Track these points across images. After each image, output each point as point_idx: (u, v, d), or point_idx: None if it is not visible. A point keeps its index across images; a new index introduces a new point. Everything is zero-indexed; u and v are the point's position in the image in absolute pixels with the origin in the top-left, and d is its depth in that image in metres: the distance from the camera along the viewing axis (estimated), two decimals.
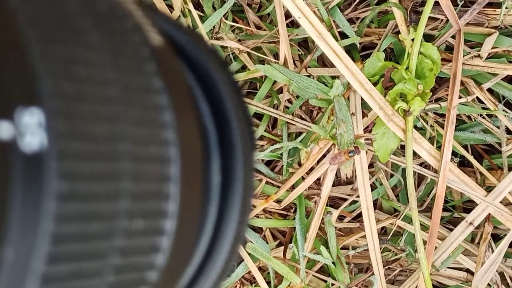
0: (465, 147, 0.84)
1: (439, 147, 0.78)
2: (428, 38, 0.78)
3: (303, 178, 0.82)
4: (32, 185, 0.14)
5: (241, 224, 0.21)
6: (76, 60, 0.16)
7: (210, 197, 0.20)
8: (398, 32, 0.76)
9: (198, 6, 0.81)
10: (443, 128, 0.78)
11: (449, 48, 0.78)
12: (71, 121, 0.15)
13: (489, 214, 0.81)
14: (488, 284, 0.86)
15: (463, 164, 0.85)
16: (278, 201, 0.85)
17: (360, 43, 0.79)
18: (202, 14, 0.80)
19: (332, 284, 0.85)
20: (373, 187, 0.85)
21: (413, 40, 0.73)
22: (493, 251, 0.82)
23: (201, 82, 0.21)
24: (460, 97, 0.78)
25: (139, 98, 0.17)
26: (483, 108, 0.79)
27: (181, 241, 0.18)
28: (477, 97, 0.79)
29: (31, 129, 0.14)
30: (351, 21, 0.80)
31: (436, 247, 0.83)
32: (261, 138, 0.83)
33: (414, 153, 0.77)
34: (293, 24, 0.80)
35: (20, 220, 0.14)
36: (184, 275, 0.20)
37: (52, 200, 0.14)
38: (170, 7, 0.80)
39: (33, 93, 0.14)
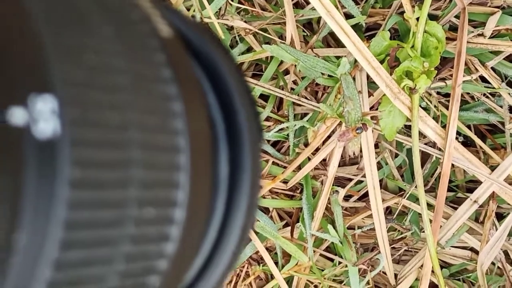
0: (468, 127, 0.85)
1: (443, 127, 0.79)
2: (432, 18, 0.79)
3: (309, 159, 0.83)
4: (45, 171, 0.14)
5: (249, 215, 0.21)
6: (87, 49, 0.16)
7: (219, 188, 0.20)
8: (402, 12, 0.77)
9: None
10: (447, 108, 0.79)
11: (453, 28, 0.79)
12: (83, 108, 0.15)
13: (494, 192, 0.81)
14: (493, 263, 0.87)
15: (466, 144, 0.85)
16: (285, 182, 0.86)
17: (364, 24, 0.80)
18: None
19: (339, 263, 0.86)
20: (378, 167, 0.86)
21: (417, 19, 0.74)
22: (497, 229, 0.83)
23: (208, 74, 0.21)
24: (463, 76, 0.79)
25: (149, 87, 0.17)
26: (487, 87, 0.80)
27: (190, 230, 0.18)
28: (481, 77, 0.80)
29: (44, 116, 0.14)
30: (355, 1, 0.80)
31: (440, 226, 0.84)
32: (268, 119, 0.84)
33: (419, 132, 0.78)
34: (297, 6, 0.81)
35: (33, 206, 0.14)
36: (193, 265, 0.21)
37: (65, 186, 0.14)
38: None
39: (46, 81, 0.14)
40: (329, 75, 0.77)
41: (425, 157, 0.86)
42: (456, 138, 0.81)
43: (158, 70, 0.17)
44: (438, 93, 0.82)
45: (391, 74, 0.75)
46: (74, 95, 0.15)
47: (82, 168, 0.15)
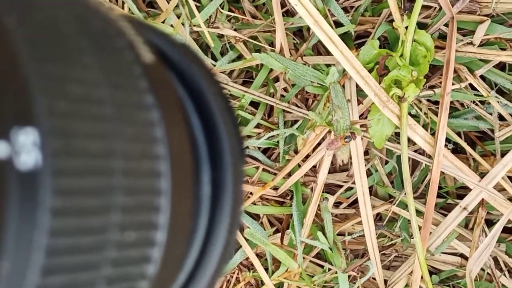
0: (458, 134, 0.85)
1: (433, 134, 0.79)
2: (421, 26, 0.79)
3: (299, 165, 0.84)
4: (27, 201, 0.14)
5: (230, 234, 0.21)
6: (71, 79, 0.16)
7: (201, 208, 0.21)
8: (392, 21, 0.77)
9: None
10: (436, 115, 0.79)
11: (442, 36, 0.79)
12: (65, 139, 0.15)
13: (483, 199, 0.82)
14: (482, 269, 0.87)
15: (456, 151, 0.86)
16: (275, 188, 0.86)
17: (354, 32, 0.81)
18: (198, 4, 0.81)
19: (329, 269, 0.86)
20: (368, 174, 0.86)
21: (407, 27, 0.74)
22: (486, 236, 0.83)
23: (192, 95, 0.22)
24: (453, 84, 0.80)
25: (132, 114, 0.17)
26: (476, 95, 0.80)
27: (172, 251, 0.19)
28: (470, 84, 0.80)
29: (26, 148, 0.14)
30: (345, 10, 0.81)
31: (430, 233, 0.84)
32: (258, 126, 0.84)
33: (409, 140, 0.79)
34: (288, 14, 0.81)
35: (16, 234, 0.14)
36: (175, 284, 0.21)
37: (46, 215, 0.15)
38: None
39: (28, 113, 0.15)
40: (318, 84, 0.77)
41: (415, 164, 0.86)
42: (446, 145, 0.81)
43: (141, 96, 0.18)
44: (428, 100, 0.82)
45: (380, 83, 0.75)
46: (56, 126, 0.15)
47: (63, 196, 0.15)
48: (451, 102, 0.83)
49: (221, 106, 0.22)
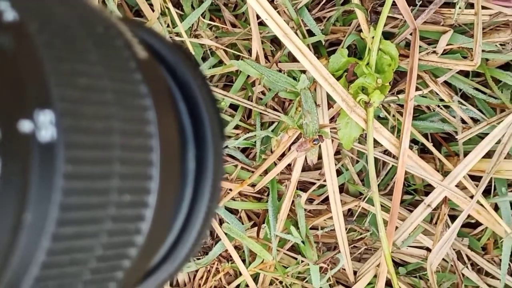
0: (425, 135, 0.90)
1: (400, 136, 0.84)
2: (389, 35, 0.85)
3: (275, 164, 0.89)
4: (45, 166, 0.18)
5: (212, 202, 0.25)
6: (79, 72, 0.19)
7: (186, 180, 0.24)
8: (361, 30, 0.82)
9: (178, 5, 0.88)
10: None
11: (408, 45, 0.84)
12: (74, 119, 0.19)
13: (446, 197, 0.87)
14: (446, 261, 0.93)
15: (424, 151, 0.91)
16: (253, 185, 0.92)
17: (327, 40, 0.86)
18: (181, 13, 0.87)
19: (302, 261, 0.92)
20: (340, 172, 0.92)
21: (373, 37, 0.80)
22: None
23: (180, 86, 0.25)
24: (419, 89, 0.85)
25: (128, 101, 0.21)
26: (440, 100, 0.86)
27: (161, 213, 0.22)
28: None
29: (45, 126, 0.18)
30: (318, 19, 0.86)
31: (397, 227, 0.89)
32: (237, 127, 0.90)
33: (376, 142, 0.84)
34: (264, 23, 0.87)
35: (37, 193, 0.18)
36: (166, 242, 0.24)
37: (60, 178, 0.18)
38: (152, 5, 0.87)
39: (46, 99, 0.18)
40: (290, 89, 0.83)
41: (384, 163, 0.92)
42: (412, 147, 0.87)
43: (135, 86, 0.21)
44: (397, 103, 0.88)
45: (349, 88, 0.81)
46: (67, 109, 0.18)
47: (73, 164, 0.18)
48: (418, 105, 0.89)
49: (204, 95, 0.25)
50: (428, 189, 0.94)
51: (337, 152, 0.90)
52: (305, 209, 0.91)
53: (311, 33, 0.85)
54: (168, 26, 0.85)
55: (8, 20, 0.18)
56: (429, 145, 0.88)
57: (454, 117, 0.87)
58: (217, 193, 0.25)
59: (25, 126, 0.17)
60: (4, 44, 0.18)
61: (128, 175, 0.20)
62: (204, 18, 0.87)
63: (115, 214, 0.20)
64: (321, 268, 0.91)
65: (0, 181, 0.17)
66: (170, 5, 0.83)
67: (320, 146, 0.85)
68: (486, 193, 0.88)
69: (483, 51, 0.81)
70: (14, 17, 0.18)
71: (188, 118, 0.25)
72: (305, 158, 0.89)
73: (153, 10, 0.86)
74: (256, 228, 0.93)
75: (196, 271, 0.99)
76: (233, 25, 0.89)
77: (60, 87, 0.18)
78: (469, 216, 0.87)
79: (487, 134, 0.85)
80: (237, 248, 0.94)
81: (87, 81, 0.19)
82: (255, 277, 0.95)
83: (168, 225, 0.24)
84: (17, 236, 0.17)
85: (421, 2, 0.82)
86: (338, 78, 0.80)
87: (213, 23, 0.87)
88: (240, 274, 0.94)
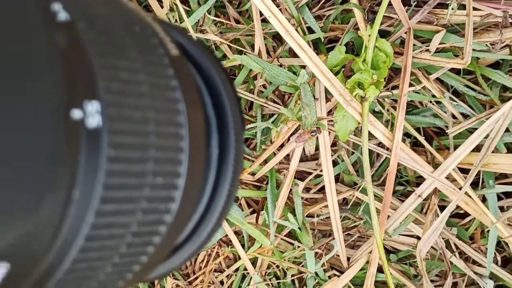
0: (417, 129, 0.95)
1: (393, 129, 0.88)
2: (385, 33, 0.89)
3: (274, 154, 0.93)
4: (92, 150, 0.20)
5: (232, 185, 0.27)
6: (121, 67, 0.21)
7: (210, 165, 0.27)
8: (359, 28, 0.86)
9: (184, 2, 0.92)
10: None
11: (403, 43, 0.88)
12: (117, 109, 0.20)
13: (436, 188, 0.91)
14: (435, 249, 0.97)
15: (416, 144, 0.95)
16: (253, 174, 0.96)
17: (326, 37, 0.90)
18: (188, 9, 0.91)
19: (298, 247, 0.97)
20: (336, 163, 0.96)
21: (370, 36, 0.84)
22: None
23: (205, 80, 0.28)
24: (413, 85, 0.89)
25: (162, 93, 0.22)
26: (432, 96, 0.90)
27: (189, 194, 0.24)
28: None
29: (92, 114, 0.19)
30: (318, 17, 0.90)
31: (389, 216, 0.94)
32: None
33: (371, 134, 0.88)
34: (267, 20, 0.91)
35: (84, 172, 0.19)
36: (191, 220, 0.27)
37: (104, 160, 0.20)
38: (160, 1, 0.91)
39: (93, 91, 0.20)
40: (291, 83, 0.87)
41: (379, 155, 0.96)
42: (406, 140, 0.91)
43: (168, 80, 0.23)
44: (392, 98, 0.92)
45: (346, 83, 0.85)
46: (111, 100, 0.20)
47: (116, 149, 0.20)
48: (412, 101, 0.93)
49: (227, 88, 0.28)
50: (419, 180, 0.97)
51: (334, 144, 0.95)
52: (302, 197, 0.95)
53: (311, 30, 0.89)
54: (175, 21, 0.89)
55: (62, 20, 0.20)
56: (421, 139, 0.92)
57: (445, 112, 0.91)
58: (237, 177, 0.27)
59: (75, 114, 0.19)
60: (59, 42, 0.19)
61: (161, 159, 0.22)
62: (209, 14, 0.91)
63: (149, 195, 0.22)
64: (316, 253, 0.96)
65: (55, 160, 0.18)
66: (178, 2, 0.88)
67: (317, 138, 0.89)
68: (474, 185, 0.92)
69: (473, 50, 0.84)
70: (66, 17, 0.20)
71: (212, 109, 0.27)
72: (303, 149, 0.93)
73: (161, 6, 0.90)
74: (255, 215, 0.97)
75: (198, 254, 1.03)
76: (237, 21, 0.93)
77: (105, 80, 0.20)
78: (457, 206, 0.92)
79: (476, 129, 0.88)
80: (237, 233, 0.98)
81: (128, 75, 0.21)
82: (253, 261, 1.00)
83: (194, 205, 0.26)
84: (67, 210, 0.19)
85: (415, 2, 0.85)
86: (336, 74, 0.84)
87: (218, 19, 0.91)
88: (239, 258, 0.99)
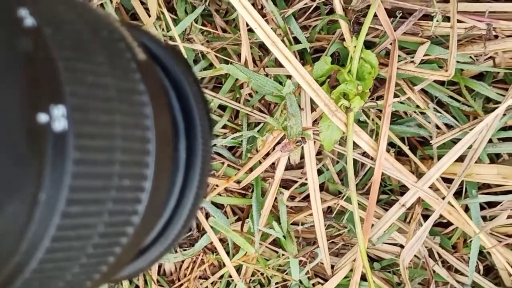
0: (402, 139, 0.95)
1: (378, 138, 0.89)
2: (370, 44, 0.89)
3: (260, 162, 0.94)
4: (58, 153, 0.20)
5: (200, 189, 0.27)
6: (87, 71, 0.21)
7: (178, 168, 0.27)
8: (344, 39, 0.87)
9: (172, 10, 0.93)
10: None
11: (388, 54, 0.88)
12: (83, 113, 0.21)
13: (419, 197, 0.92)
14: (418, 258, 0.98)
15: (401, 154, 0.96)
16: (238, 182, 0.97)
17: (312, 47, 0.91)
18: (175, 18, 0.92)
19: (282, 255, 0.97)
20: (321, 172, 0.97)
21: (355, 47, 0.84)
22: None
23: (174, 84, 0.28)
24: (397, 96, 0.90)
25: (129, 97, 0.23)
26: (417, 106, 0.91)
27: (156, 196, 0.24)
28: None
29: (58, 118, 0.20)
30: (304, 27, 0.91)
31: (373, 225, 0.94)
32: (225, 126, 0.95)
33: (356, 144, 0.89)
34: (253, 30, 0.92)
35: (50, 175, 0.20)
36: (158, 223, 0.27)
37: (70, 163, 0.20)
38: (148, 9, 0.91)
39: (59, 95, 0.20)
40: (276, 94, 0.88)
41: (363, 164, 0.97)
42: (390, 149, 0.92)
43: (135, 85, 0.23)
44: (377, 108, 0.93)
45: (331, 94, 0.85)
46: (77, 104, 0.20)
47: (82, 152, 0.20)
48: (396, 111, 0.94)
49: (195, 93, 0.28)
50: (403, 189, 0.98)
51: (319, 153, 0.95)
52: (287, 206, 0.96)
53: (297, 40, 0.89)
54: (162, 30, 0.89)
55: (28, 25, 0.20)
56: (405, 148, 0.93)
57: (429, 122, 0.92)
58: (204, 180, 0.28)
59: (41, 118, 0.19)
60: (25, 47, 0.20)
61: (128, 162, 0.22)
62: (196, 23, 0.92)
63: (116, 197, 0.22)
64: (300, 261, 0.97)
65: (21, 163, 0.19)
66: (165, 10, 0.88)
67: (302, 147, 0.89)
68: (457, 194, 0.93)
69: (457, 62, 0.85)
70: (33, 23, 0.20)
71: (180, 113, 0.28)
72: (288, 157, 0.94)
73: (148, 15, 0.91)
74: (240, 222, 0.97)
75: (183, 261, 1.04)
76: (224, 30, 0.93)
77: (71, 84, 0.20)
78: (441, 216, 0.92)
79: (459, 139, 0.89)
80: (222, 240, 0.99)
81: (94, 79, 0.22)
82: (238, 269, 1.00)
83: (161, 207, 0.27)
84: (33, 213, 0.20)
85: (401, 14, 0.86)
86: (321, 84, 0.85)
87: (204, 28, 0.92)
88: (224, 265, 0.99)
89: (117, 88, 0.22)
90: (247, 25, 0.86)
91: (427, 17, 0.87)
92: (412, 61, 0.88)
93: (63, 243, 0.21)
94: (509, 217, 0.92)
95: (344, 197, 0.95)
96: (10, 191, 0.19)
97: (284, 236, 0.95)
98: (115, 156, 0.22)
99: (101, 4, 0.89)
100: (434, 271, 0.97)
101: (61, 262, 0.22)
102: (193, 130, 0.28)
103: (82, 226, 0.22)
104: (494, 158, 0.95)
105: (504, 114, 0.88)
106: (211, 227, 0.95)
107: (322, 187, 0.98)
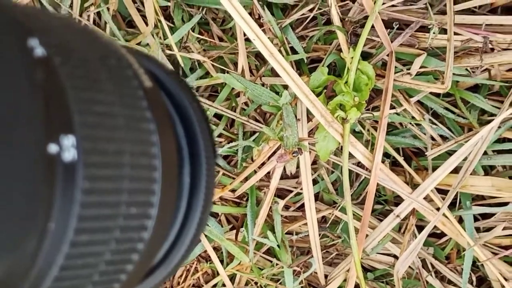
0: (397, 149, 0.96)
1: (373, 150, 0.89)
2: (367, 55, 0.90)
3: (255, 172, 0.94)
4: (68, 183, 0.20)
5: (203, 213, 0.28)
6: (96, 101, 0.22)
7: (182, 193, 0.27)
8: (341, 50, 0.87)
9: (169, 18, 0.92)
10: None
11: (385, 65, 0.89)
12: (92, 143, 0.21)
13: (414, 208, 0.92)
14: (412, 269, 0.98)
15: (395, 164, 0.96)
16: (233, 191, 0.97)
17: (309, 57, 0.91)
18: (172, 26, 0.91)
19: (276, 264, 0.97)
20: (316, 181, 0.97)
21: (352, 58, 0.85)
22: None
23: (178, 110, 0.28)
24: (394, 107, 0.90)
25: (136, 125, 0.23)
26: (412, 118, 0.91)
27: (161, 223, 0.24)
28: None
29: (68, 148, 0.20)
30: (301, 38, 0.91)
31: (368, 235, 0.95)
32: (220, 135, 0.95)
33: (351, 154, 0.89)
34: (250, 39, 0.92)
35: (60, 205, 0.20)
36: (162, 248, 0.27)
37: (80, 193, 0.20)
38: (144, 16, 0.91)
39: (69, 126, 0.20)
40: (273, 104, 0.88)
41: (358, 174, 0.97)
42: (385, 160, 0.92)
43: (142, 112, 0.23)
44: (373, 119, 0.93)
45: (327, 104, 0.85)
46: (87, 134, 0.21)
47: (91, 181, 0.21)
48: (392, 122, 0.94)
49: (199, 119, 0.28)
50: (398, 200, 0.99)
51: (314, 162, 0.95)
52: (281, 215, 0.96)
53: (294, 50, 0.89)
54: (159, 38, 0.89)
55: (38, 55, 0.20)
56: (400, 159, 0.93)
57: (424, 134, 0.92)
58: (208, 205, 0.28)
59: (52, 148, 0.19)
60: (37, 78, 0.20)
61: (135, 190, 0.23)
62: (193, 31, 0.91)
63: (123, 225, 0.22)
64: (294, 271, 0.97)
65: (32, 194, 0.19)
66: (162, 18, 0.88)
67: (298, 157, 0.89)
68: (452, 205, 0.93)
69: (454, 74, 0.85)
70: (43, 53, 0.20)
71: (185, 139, 0.28)
72: (284, 167, 0.94)
73: (145, 23, 0.90)
74: (234, 231, 0.98)
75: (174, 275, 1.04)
76: (221, 39, 0.93)
77: (81, 114, 0.21)
78: (435, 227, 0.93)
79: (455, 151, 0.89)
80: (216, 249, 0.99)
81: (103, 108, 0.22)
82: (232, 277, 1.00)
83: (165, 233, 0.27)
84: (43, 242, 0.20)
85: (398, 25, 0.87)
86: (318, 94, 0.85)
87: (201, 37, 0.92)
88: (218, 274, 0.99)
89: (125, 116, 0.23)
90: (244, 34, 0.86)
91: (424, 28, 0.88)
92: (408, 73, 0.88)
93: (70, 272, 0.21)
94: (503, 229, 0.93)
95: (339, 207, 0.95)
96: (23, 223, 0.19)
97: (278, 246, 0.95)
98: (123, 184, 0.22)
99: (98, 12, 0.89)
100: (427, 282, 0.97)
101: None
102: (197, 155, 0.28)
103: (90, 254, 0.22)
104: (489, 170, 0.95)
105: (499, 127, 0.89)
106: (206, 235, 0.95)
107: (316, 197, 0.98)
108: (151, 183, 0.23)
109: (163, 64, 0.30)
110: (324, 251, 0.98)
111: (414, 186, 0.92)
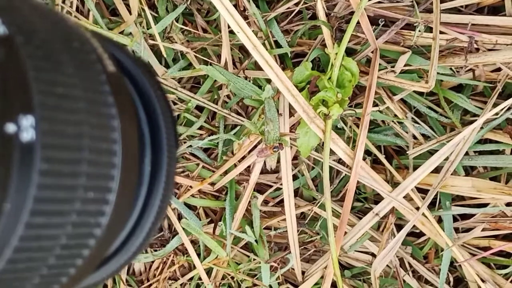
0: (378, 147, 0.95)
1: (355, 146, 0.89)
2: (351, 51, 0.89)
3: (235, 165, 0.93)
4: (25, 164, 0.20)
5: (163, 202, 0.28)
6: (57, 83, 0.21)
7: (142, 181, 0.27)
8: (326, 45, 0.86)
9: (153, 8, 0.91)
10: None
11: (369, 61, 0.88)
12: (51, 124, 0.21)
13: (393, 207, 0.92)
14: (389, 267, 0.98)
15: (376, 162, 0.96)
16: (212, 184, 0.96)
17: (293, 52, 0.90)
18: (156, 15, 0.90)
19: (254, 259, 0.97)
20: (296, 177, 0.96)
21: (336, 54, 0.84)
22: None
23: (141, 97, 0.28)
24: (377, 105, 0.90)
25: (97, 109, 0.23)
26: (395, 116, 0.90)
27: (119, 209, 0.24)
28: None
29: (26, 128, 0.20)
30: (286, 31, 0.90)
31: (346, 233, 0.94)
32: (201, 128, 0.94)
33: (332, 151, 0.88)
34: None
35: (16, 186, 0.20)
36: (121, 234, 0.27)
37: (37, 174, 0.20)
38: (128, 5, 0.90)
39: (28, 106, 0.20)
40: (255, 97, 0.87)
41: (338, 170, 0.96)
42: (365, 158, 0.92)
43: (104, 97, 0.23)
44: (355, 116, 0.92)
45: (310, 100, 0.85)
46: (46, 115, 0.20)
47: (48, 163, 0.20)
48: (374, 119, 0.93)
49: (162, 107, 0.28)
50: (377, 198, 0.98)
51: (295, 158, 0.95)
52: (260, 210, 0.95)
53: (278, 44, 0.88)
54: (143, 27, 0.88)
55: (0, 33, 0.20)
56: (381, 157, 0.93)
57: (406, 132, 0.92)
58: (168, 194, 0.28)
59: (9, 128, 0.19)
60: None
61: (94, 174, 0.22)
62: (177, 22, 0.90)
63: (80, 209, 0.22)
64: (271, 266, 0.96)
65: None
66: (146, 7, 0.87)
67: (279, 152, 0.89)
68: (431, 205, 0.93)
69: (438, 73, 0.85)
70: (4, 31, 0.20)
71: (147, 126, 0.28)
72: (264, 162, 0.93)
73: (129, 11, 0.89)
74: (212, 225, 0.97)
75: (153, 262, 1.03)
76: (205, 31, 0.92)
77: (40, 94, 0.21)
78: (414, 226, 0.92)
79: (436, 150, 0.89)
80: (193, 242, 0.98)
81: (64, 90, 0.22)
82: (208, 271, 1.00)
83: (123, 220, 0.27)
84: None
85: (383, 22, 0.86)
86: (301, 89, 0.84)
87: (185, 28, 0.90)
88: (194, 267, 0.99)
89: (86, 100, 0.22)
90: (229, 26, 0.85)
91: (410, 26, 0.87)
92: (392, 71, 0.88)
93: (25, 254, 0.21)
94: (482, 230, 0.92)
95: (318, 204, 0.94)
96: None
97: (256, 241, 0.94)
98: (81, 168, 0.22)
99: (81, 0, 0.88)
100: (404, 281, 0.97)
101: (21, 272, 0.22)
102: (159, 143, 0.28)
103: (45, 237, 0.22)
104: (469, 171, 0.95)
105: (482, 127, 0.88)
106: (183, 228, 0.94)
107: (296, 193, 0.97)
108: (110, 168, 0.23)
109: (129, 51, 0.30)
110: (302, 247, 0.97)
111: (394, 184, 0.92)
